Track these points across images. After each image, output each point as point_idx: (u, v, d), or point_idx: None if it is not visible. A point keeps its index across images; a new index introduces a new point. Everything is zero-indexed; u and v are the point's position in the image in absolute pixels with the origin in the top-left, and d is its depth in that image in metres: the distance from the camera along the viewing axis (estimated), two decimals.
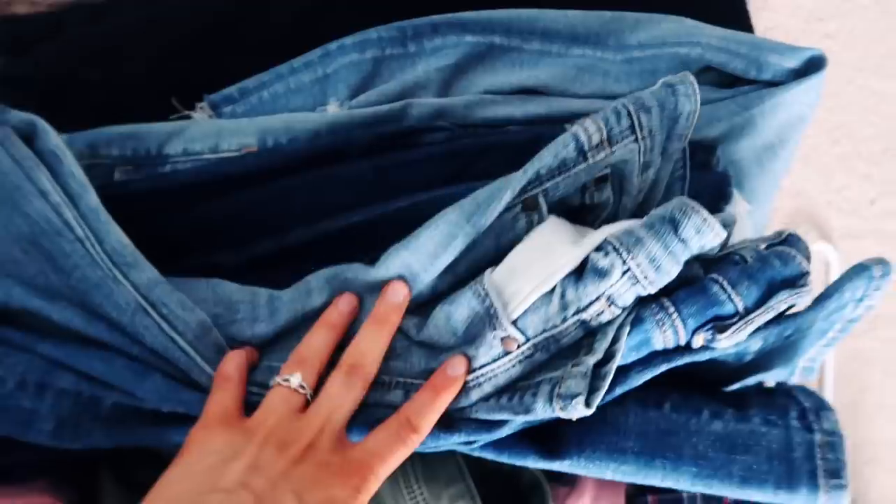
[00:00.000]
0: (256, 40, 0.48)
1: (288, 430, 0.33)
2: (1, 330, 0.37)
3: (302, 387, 0.35)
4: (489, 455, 0.38)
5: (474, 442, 0.37)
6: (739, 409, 0.38)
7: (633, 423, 0.37)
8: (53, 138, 0.40)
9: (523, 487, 0.44)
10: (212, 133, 0.45)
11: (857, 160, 0.60)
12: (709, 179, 0.48)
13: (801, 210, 0.60)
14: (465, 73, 0.49)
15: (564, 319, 0.35)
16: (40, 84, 0.46)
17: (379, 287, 0.38)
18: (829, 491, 0.35)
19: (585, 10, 0.50)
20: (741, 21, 0.55)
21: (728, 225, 0.37)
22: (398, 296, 0.37)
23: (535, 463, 0.37)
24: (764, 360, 0.38)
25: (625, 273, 0.34)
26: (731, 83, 0.50)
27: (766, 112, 0.48)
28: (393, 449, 0.34)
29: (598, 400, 0.33)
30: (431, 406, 0.35)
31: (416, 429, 0.34)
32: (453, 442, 0.36)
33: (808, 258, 0.36)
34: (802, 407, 0.38)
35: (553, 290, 0.35)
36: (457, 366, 0.36)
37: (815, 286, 0.62)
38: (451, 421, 0.37)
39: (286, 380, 0.35)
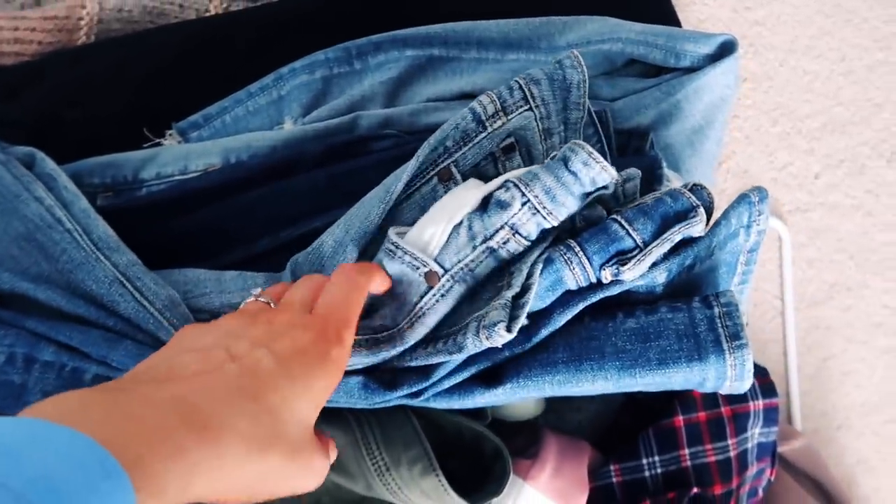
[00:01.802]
0: (215, 71, 0.53)
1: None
2: None
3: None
4: (441, 403, 0.41)
5: (420, 393, 0.40)
6: (649, 304, 0.41)
7: (560, 339, 0.40)
8: (50, 163, 0.47)
9: (486, 459, 0.47)
10: (181, 157, 0.50)
11: (797, 137, 0.63)
12: (640, 163, 0.52)
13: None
14: (409, 85, 0.54)
15: (474, 248, 0.39)
16: (28, 126, 0.51)
17: (322, 261, 0.42)
18: (734, 351, 0.38)
19: (525, 16, 0.55)
20: (668, 18, 0.59)
21: (632, 178, 0.41)
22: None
23: (481, 395, 0.40)
24: (676, 295, 0.42)
25: (524, 204, 0.38)
26: (656, 74, 0.54)
27: (689, 96, 0.52)
28: (349, 294, 0.35)
29: (517, 325, 0.36)
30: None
31: (361, 270, 0.37)
32: (398, 396, 0.40)
33: (707, 203, 0.40)
34: (704, 293, 0.41)
35: (461, 224, 0.39)
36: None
37: (769, 263, 0.65)
38: (392, 375, 0.40)
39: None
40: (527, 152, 0.43)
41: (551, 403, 0.54)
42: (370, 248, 0.43)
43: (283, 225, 0.49)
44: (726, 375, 0.39)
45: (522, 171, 0.39)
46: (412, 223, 0.43)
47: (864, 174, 0.64)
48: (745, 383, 0.39)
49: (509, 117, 0.43)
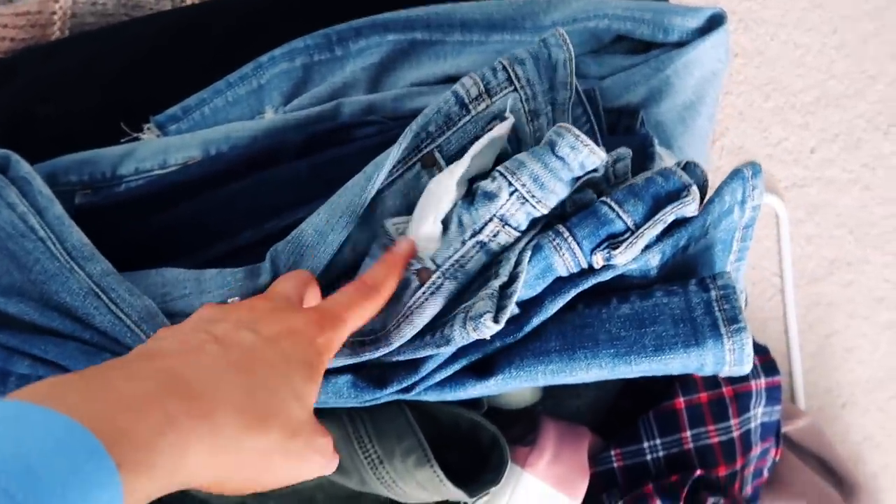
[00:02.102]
0: (193, 62, 0.51)
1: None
2: None
3: None
4: (433, 396, 0.40)
5: (411, 388, 0.39)
6: (643, 289, 0.40)
7: (552, 327, 0.39)
8: (25, 167, 0.45)
9: (483, 449, 0.46)
10: (159, 150, 0.49)
11: (791, 112, 0.62)
12: (631, 142, 0.50)
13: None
14: (392, 70, 0.52)
15: (463, 243, 0.37)
16: (1, 124, 0.50)
17: (302, 250, 0.41)
18: (732, 335, 0.37)
19: None
20: None
21: (623, 158, 0.40)
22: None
23: (473, 387, 0.39)
24: (671, 277, 0.40)
25: (512, 194, 0.37)
26: (645, 50, 0.52)
27: (679, 71, 0.51)
28: (358, 303, 0.34)
29: (505, 316, 0.35)
30: (388, 273, 0.36)
31: (377, 288, 0.35)
32: (389, 393, 0.39)
33: (700, 182, 0.39)
34: (700, 276, 0.40)
35: (450, 217, 0.37)
36: (402, 244, 0.37)
37: (767, 240, 0.64)
38: (381, 371, 0.39)
39: None
40: (514, 135, 0.42)
41: (549, 390, 0.53)
42: (352, 235, 0.41)
43: (266, 216, 0.48)
44: (725, 360, 0.38)
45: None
46: (396, 210, 0.41)
47: (861, 148, 0.63)
48: (745, 367, 0.38)
49: (493, 99, 0.42)
